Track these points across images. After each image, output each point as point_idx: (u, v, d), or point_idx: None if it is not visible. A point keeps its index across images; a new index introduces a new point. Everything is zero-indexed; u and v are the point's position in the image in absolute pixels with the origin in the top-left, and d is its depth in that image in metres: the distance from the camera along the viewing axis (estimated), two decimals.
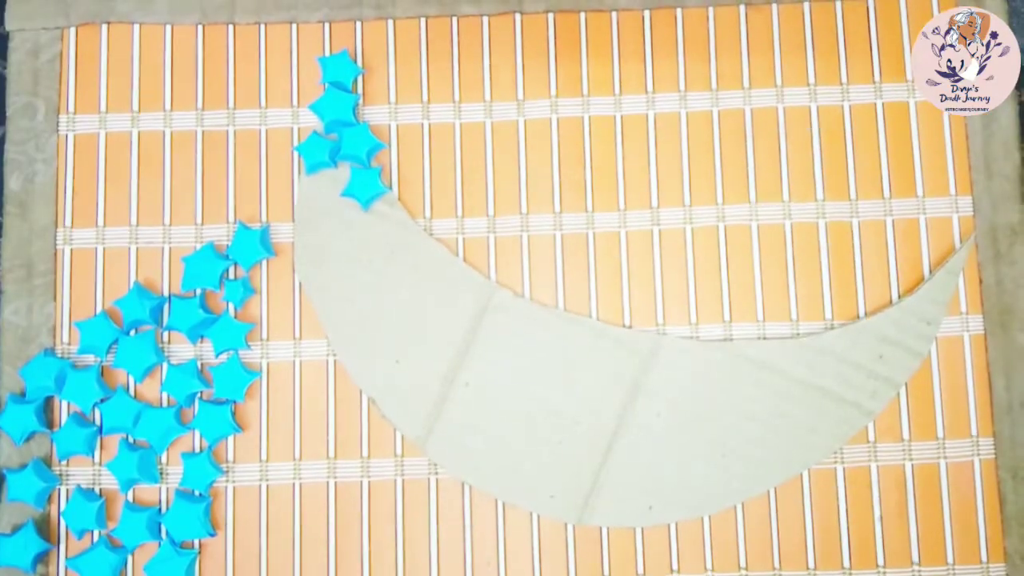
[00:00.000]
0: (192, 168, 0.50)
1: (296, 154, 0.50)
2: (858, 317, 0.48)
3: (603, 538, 0.47)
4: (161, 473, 0.48)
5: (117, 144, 0.50)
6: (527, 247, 0.49)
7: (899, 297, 0.48)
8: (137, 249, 0.49)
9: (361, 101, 0.50)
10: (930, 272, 0.49)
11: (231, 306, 0.49)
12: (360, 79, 0.50)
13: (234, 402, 0.48)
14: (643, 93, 0.50)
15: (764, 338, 0.48)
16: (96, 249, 0.49)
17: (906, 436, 0.48)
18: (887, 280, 0.49)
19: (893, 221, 0.49)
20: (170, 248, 0.49)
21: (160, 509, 0.47)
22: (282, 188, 0.50)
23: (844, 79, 0.50)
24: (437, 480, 0.47)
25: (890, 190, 0.49)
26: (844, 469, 0.47)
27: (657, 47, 0.50)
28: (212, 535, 0.47)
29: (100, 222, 0.49)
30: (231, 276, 0.49)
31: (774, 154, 0.50)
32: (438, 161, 0.50)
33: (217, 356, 0.48)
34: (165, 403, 0.48)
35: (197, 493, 0.47)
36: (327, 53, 0.50)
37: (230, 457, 0.48)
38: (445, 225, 0.49)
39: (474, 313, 0.48)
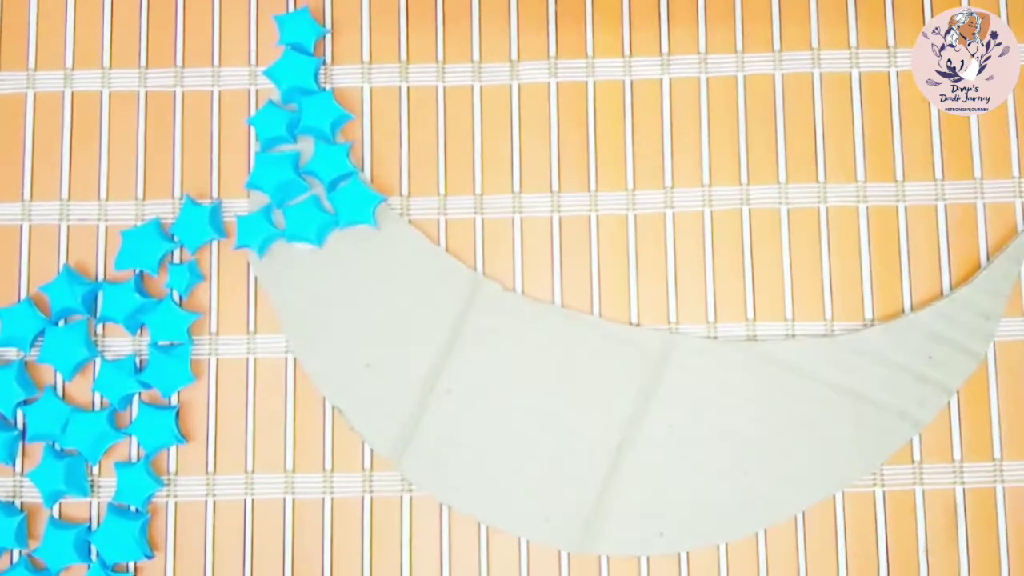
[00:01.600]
0: (133, 134, 0.49)
1: None
2: (903, 313, 0.47)
3: (604, 568, 0.46)
4: (92, 485, 0.47)
5: (47, 106, 0.49)
6: (519, 232, 0.48)
7: (951, 289, 0.47)
8: (68, 227, 0.49)
9: (328, 63, 0.49)
10: (988, 260, 0.48)
11: (175, 294, 0.48)
12: (327, 38, 0.50)
13: (175, 407, 0.47)
14: (657, 55, 0.49)
15: (793, 337, 0.47)
16: (21, 227, 0.48)
17: (957, 456, 0.47)
18: (937, 272, 0.48)
19: (946, 206, 0.48)
20: (106, 226, 0.48)
21: (90, 526, 0.47)
22: (237, 159, 0.49)
23: (891, 41, 0.49)
24: (411, 498, 0.47)
25: (943, 171, 0.48)
26: (884, 492, 0.47)
27: (674, 2, 0.50)
28: (149, 557, 0.46)
29: (26, 195, 0.49)
30: (175, 260, 0.48)
31: (808, 127, 0.49)
32: (417, 131, 0.49)
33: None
34: (98, 405, 0.47)
35: (133, 509, 0.46)
36: (291, 5, 0.50)
37: (172, 468, 0.47)
38: (424, 205, 0.48)
39: (457, 309, 0.47)
